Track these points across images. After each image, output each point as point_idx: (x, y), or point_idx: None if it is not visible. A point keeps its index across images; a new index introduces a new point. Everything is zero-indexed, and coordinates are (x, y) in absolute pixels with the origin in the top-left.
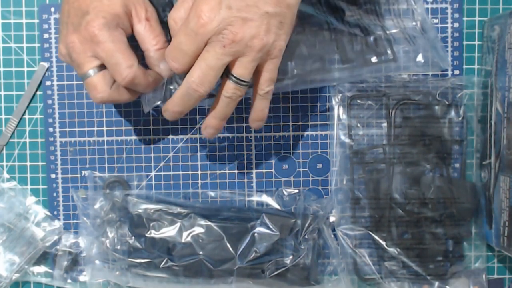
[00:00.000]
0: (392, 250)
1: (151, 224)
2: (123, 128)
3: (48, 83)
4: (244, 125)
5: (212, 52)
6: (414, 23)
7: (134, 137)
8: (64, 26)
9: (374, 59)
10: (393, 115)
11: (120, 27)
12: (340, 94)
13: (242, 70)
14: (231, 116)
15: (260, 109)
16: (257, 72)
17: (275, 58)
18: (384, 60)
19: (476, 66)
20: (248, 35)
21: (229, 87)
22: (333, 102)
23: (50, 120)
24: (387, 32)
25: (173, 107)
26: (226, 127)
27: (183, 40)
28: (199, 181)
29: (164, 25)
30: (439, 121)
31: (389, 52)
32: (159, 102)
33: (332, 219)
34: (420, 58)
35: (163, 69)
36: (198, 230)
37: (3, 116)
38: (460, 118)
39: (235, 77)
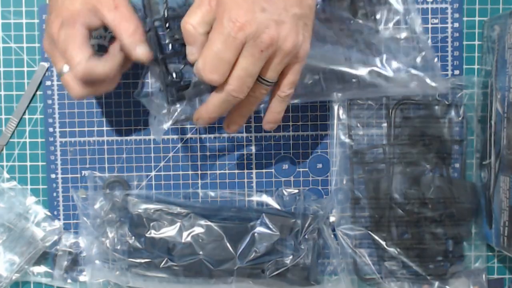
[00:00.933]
0: (392, 250)
1: (151, 224)
2: (123, 128)
3: (48, 83)
4: (244, 125)
5: (249, 58)
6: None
7: (134, 137)
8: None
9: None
10: (393, 115)
11: (80, 23)
12: (340, 94)
13: (271, 72)
14: None
15: (277, 111)
16: (280, 74)
17: (301, 61)
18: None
19: (476, 66)
20: (282, 38)
21: (257, 88)
22: (333, 102)
23: (50, 120)
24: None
25: (209, 114)
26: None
27: (220, 47)
28: (199, 181)
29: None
30: (439, 121)
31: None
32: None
33: (332, 219)
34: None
35: (139, 54)
36: (198, 230)
37: (3, 116)
38: (460, 118)
39: (264, 80)
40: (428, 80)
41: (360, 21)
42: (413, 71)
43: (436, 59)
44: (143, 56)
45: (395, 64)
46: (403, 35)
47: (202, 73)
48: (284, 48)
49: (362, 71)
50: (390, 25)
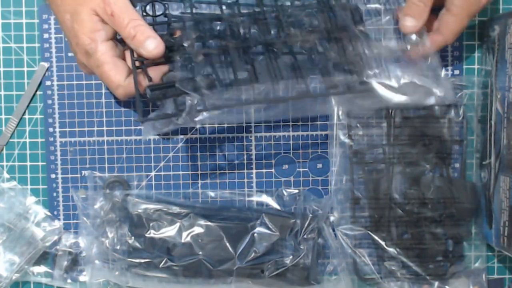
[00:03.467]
0: (392, 250)
1: (151, 224)
2: (123, 128)
3: (48, 83)
4: (244, 125)
5: None
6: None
7: (134, 137)
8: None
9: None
10: (393, 115)
11: (101, 44)
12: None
13: None
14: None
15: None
16: None
17: None
18: None
19: (476, 66)
20: None
21: None
22: (333, 102)
23: (50, 120)
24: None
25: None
26: (226, 127)
27: None
28: (199, 181)
29: None
30: (439, 121)
31: None
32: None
33: (332, 218)
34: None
35: (148, 52)
36: (197, 230)
37: (3, 116)
38: (460, 118)
39: None
40: (434, 90)
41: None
42: (417, 81)
43: (441, 68)
44: (154, 52)
45: (399, 74)
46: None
47: (450, 42)
48: None
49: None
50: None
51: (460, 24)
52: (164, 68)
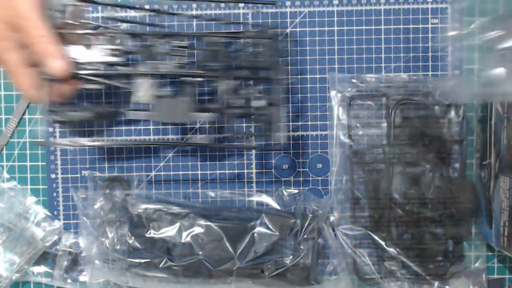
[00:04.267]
0: (392, 250)
1: (151, 224)
2: (123, 128)
3: None
4: (244, 125)
5: None
6: None
7: (134, 137)
8: None
9: None
10: (393, 115)
11: (9, 51)
12: (340, 94)
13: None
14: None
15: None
16: None
17: None
18: None
19: (476, 66)
20: None
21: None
22: (333, 102)
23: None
24: None
25: None
26: (226, 127)
27: None
28: (199, 181)
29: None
30: (439, 121)
31: None
32: None
33: (332, 218)
34: None
35: (52, 69)
36: (197, 230)
37: (3, 116)
38: (460, 118)
39: None
40: None
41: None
42: None
43: None
44: (57, 73)
45: None
46: None
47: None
48: None
49: None
50: None
51: None
52: (72, 87)
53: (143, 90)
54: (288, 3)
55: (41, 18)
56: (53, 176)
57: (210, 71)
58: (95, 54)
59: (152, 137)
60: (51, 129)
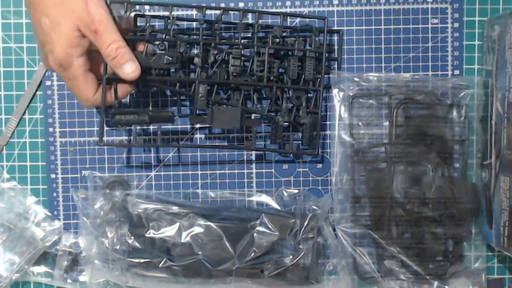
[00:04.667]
0: (392, 249)
1: (151, 224)
2: (126, 128)
3: (48, 83)
4: (244, 125)
5: None
6: None
7: (139, 137)
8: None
9: None
10: (395, 115)
11: (77, 59)
12: (342, 93)
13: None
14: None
15: None
16: None
17: None
18: None
19: (476, 66)
20: None
21: None
22: (335, 101)
23: (50, 120)
24: None
25: None
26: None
27: None
28: (199, 181)
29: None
30: (441, 121)
31: None
32: None
33: (332, 217)
34: None
35: (125, 74)
36: (197, 230)
37: (3, 116)
38: (461, 118)
39: None
40: None
41: None
42: None
43: None
44: (130, 76)
45: None
46: None
47: None
48: None
49: None
50: None
51: None
52: (130, 88)
53: (201, 97)
54: (288, 3)
55: (113, 23)
56: (53, 176)
57: (262, 81)
58: (156, 61)
59: (152, 137)
60: (51, 129)
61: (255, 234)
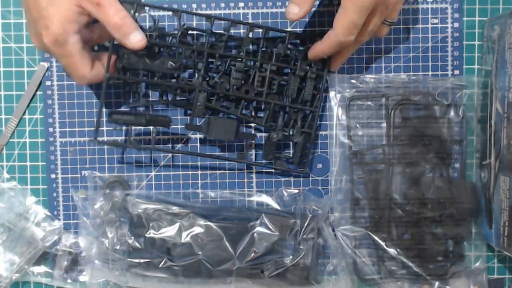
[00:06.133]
0: (392, 250)
1: (151, 224)
2: (123, 128)
3: (48, 83)
4: (244, 125)
5: (379, 15)
6: None
7: (134, 137)
8: None
9: None
10: (393, 116)
11: (72, 36)
12: (340, 95)
13: (393, 14)
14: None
15: (347, 55)
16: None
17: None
18: None
19: (476, 66)
20: None
21: (382, 29)
22: (332, 103)
23: (50, 120)
24: None
25: (322, 52)
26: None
27: (356, 16)
28: (199, 181)
29: None
30: (439, 121)
31: None
32: None
33: (332, 218)
34: None
35: (132, 44)
36: (197, 230)
37: (3, 116)
38: (459, 118)
39: (388, 21)
40: None
41: None
42: None
43: None
44: (138, 45)
45: None
46: None
47: (341, 37)
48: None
49: None
50: None
51: (347, 17)
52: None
53: (200, 105)
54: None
55: None
56: (53, 176)
57: (262, 95)
58: (158, 65)
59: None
60: (51, 129)
61: (255, 234)
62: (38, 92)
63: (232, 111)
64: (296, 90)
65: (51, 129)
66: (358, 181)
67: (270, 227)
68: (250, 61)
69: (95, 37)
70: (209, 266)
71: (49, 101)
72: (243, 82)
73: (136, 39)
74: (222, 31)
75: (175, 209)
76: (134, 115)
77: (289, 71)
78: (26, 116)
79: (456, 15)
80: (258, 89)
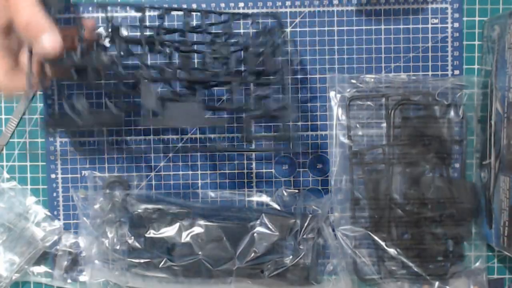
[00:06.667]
0: (392, 250)
1: (151, 224)
2: (123, 128)
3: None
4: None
5: None
6: None
7: (134, 137)
8: None
9: None
10: (393, 116)
11: None
12: (339, 95)
13: None
14: (231, 116)
15: None
16: None
17: None
18: None
19: (476, 66)
20: None
21: None
22: (332, 103)
23: None
24: None
25: None
26: (226, 127)
27: None
28: (199, 181)
29: None
30: (439, 121)
31: None
32: None
33: (332, 218)
34: None
35: (42, 47)
36: (197, 230)
37: (3, 116)
38: (459, 118)
39: None
40: None
41: None
42: None
43: None
44: (49, 49)
45: None
46: None
47: None
48: None
49: None
50: None
51: None
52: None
53: (149, 95)
54: (288, 3)
55: None
56: (53, 176)
57: (217, 75)
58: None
59: (152, 137)
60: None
61: (255, 234)
62: (38, 92)
63: (189, 98)
64: (254, 66)
65: (51, 129)
66: (358, 181)
67: (270, 227)
68: (195, 44)
69: (13, 44)
70: (209, 266)
71: (49, 101)
72: (195, 66)
73: (47, 42)
74: (156, 23)
75: (175, 209)
76: (77, 118)
77: (247, 49)
78: (26, 116)
79: (456, 15)
80: (214, 70)
